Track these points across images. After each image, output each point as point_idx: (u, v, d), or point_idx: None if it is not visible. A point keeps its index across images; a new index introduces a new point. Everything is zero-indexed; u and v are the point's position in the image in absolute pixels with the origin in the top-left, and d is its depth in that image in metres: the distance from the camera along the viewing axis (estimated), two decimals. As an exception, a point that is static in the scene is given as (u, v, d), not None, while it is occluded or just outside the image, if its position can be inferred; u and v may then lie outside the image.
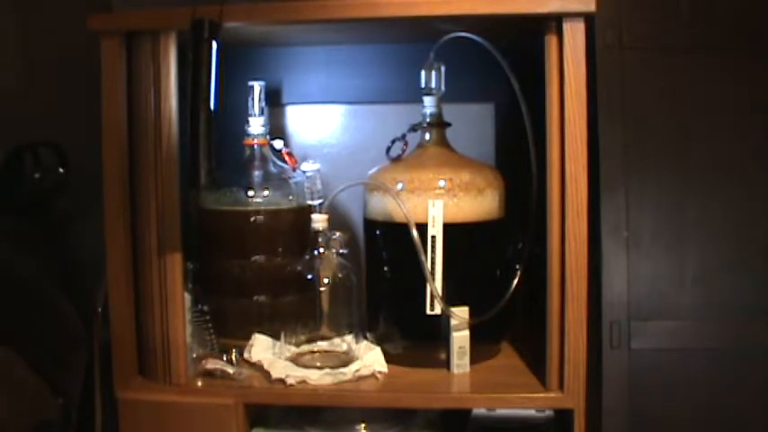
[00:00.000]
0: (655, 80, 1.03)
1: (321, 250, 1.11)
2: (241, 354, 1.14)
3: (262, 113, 1.19)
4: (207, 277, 1.16)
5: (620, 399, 1.03)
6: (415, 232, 1.08)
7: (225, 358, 1.12)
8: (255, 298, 1.18)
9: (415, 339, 1.14)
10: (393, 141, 1.16)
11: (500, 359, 1.17)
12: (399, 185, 1.11)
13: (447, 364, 1.11)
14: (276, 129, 1.32)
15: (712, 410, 1.03)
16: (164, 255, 1.05)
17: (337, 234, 1.12)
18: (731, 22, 1.02)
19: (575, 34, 0.99)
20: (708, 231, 1.03)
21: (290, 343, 1.13)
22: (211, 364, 1.10)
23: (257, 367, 1.11)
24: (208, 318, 1.16)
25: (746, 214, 1.03)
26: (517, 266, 1.11)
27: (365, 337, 1.17)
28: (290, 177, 1.20)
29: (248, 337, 1.15)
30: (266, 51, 1.34)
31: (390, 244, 1.14)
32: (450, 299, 1.10)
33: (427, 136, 1.16)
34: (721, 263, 1.03)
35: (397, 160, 1.16)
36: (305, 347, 1.13)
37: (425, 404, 1.10)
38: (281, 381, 1.07)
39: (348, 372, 1.08)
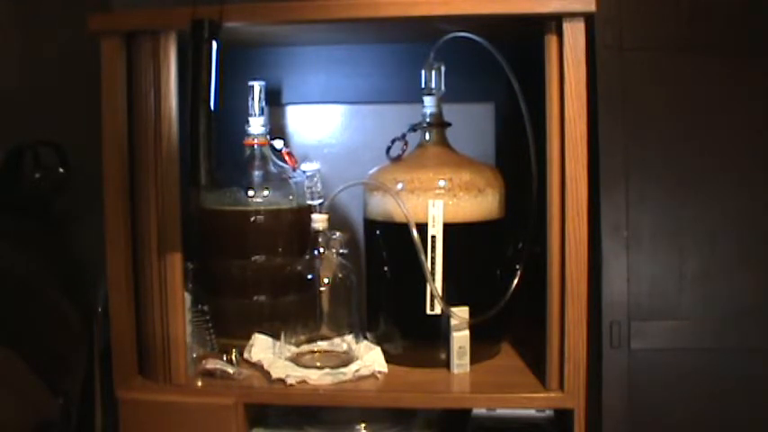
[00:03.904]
0: (655, 80, 1.03)
1: (321, 250, 1.11)
2: (241, 354, 1.14)
3: (262, 113, 1.19)
4: (207, 277, 1.16)
5: (620, 399, 1.04)
6: (415, 232, 1.08)
7: (225, 358, 1.12)
8: (255, 298, 1.18)
9: (415, 339, 1.14)
10: (393, 141, 1.16)
11: (500, 359, 1.16)
12: (399, 185, 1.11)
13: (447, 364, 1.11)
14: (276, 129, 1.32)
15: (712, 410, 1.03)
16: (164, 255, 1.05)
17: (337, 234, 1.12)
18: (731, 22, 1.02)
19: (575, 34, 0.99)
20: (708, 231, 1.03)
21: (290, 343, 1.13)
22: (211, 364, 1.10)
23: (257, 367, 1.11)
24: (208, 318, 1.16)
25: (746, 214, 1.03)
26: (517, 266, 1.11)
27: (365, 337, 1.17)
28: (290, 177, 1.20)
29: (248, 337, 1.15)
30: (266, 51, 1.34)
31: (390, 244, 1.14)
32: (451, 299, 1.10)
33: (427, 136, 1.16)
34: (721, 263, 1.03)
35: (397, 160, 1.16)
36: (305, 347, 1.13)
37: (425, 404, 1.10)
38: (281, 381, 1.07)
39: (348, 372, 1.08)
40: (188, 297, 1.09)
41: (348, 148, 1.35)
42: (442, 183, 1.10)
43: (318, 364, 1.10)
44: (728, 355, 1.03)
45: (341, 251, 1.12)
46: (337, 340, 1.13)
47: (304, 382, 1.06)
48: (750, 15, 1.02)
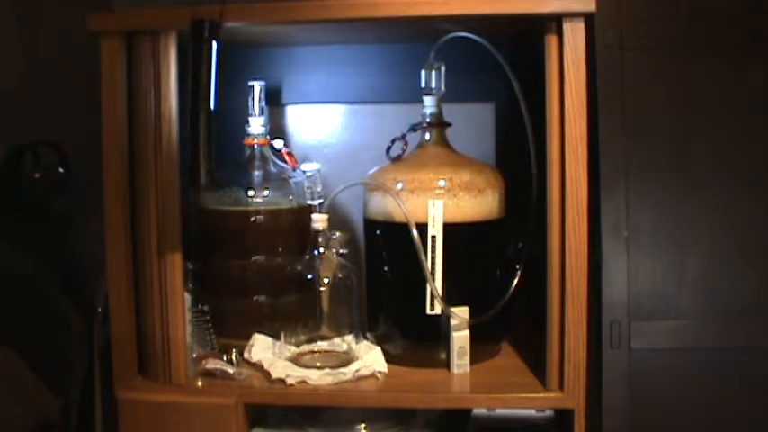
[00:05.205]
0: (655, 80, 1.03)
1: (321, 250, 1.11)
2: (241, 354, 1.14)
3: (262, 113, 1.19)
4: (207, 277, 1.16)
5: (620, 399, 1.03)
6: (415, 232, 1.08)
7: (225, 358, 1.12)
8: (255, 298, 1.18)
9: (415, 339, 1.14)
10: (393, 141, 1.16)
11: (500, 359, 1.17)
12: (399, 185, 1.11)
13: (447, 364, 1.11)
14: (276, 129, 1.32)
15: (712, 410, 1.03)
16: (164, 255, 1.05)
17: (337, 234, 1.12)
18: (731, 22, 1.02)
19: (575, 34, 0.99)
20: (708, 231, 1.03)
21: (290, 343, 1.13)
22: (211, 364, 1.10)
23: (257, 367, 1.11)
24: (208, 318, 1.16)
25: (746, 214, 1.03)
26: (517, 266, 1.11)
27: (365, 337, 1.17)
28: (290, 177, 1.20)
29: (248, 337, 1.15)
30: (266, 51, 1.34)
31: (390, 244, 1.14)
32: (450, 299, 1.10)
33: (427, 136, 1.16)
34: (721, 263, 1.03)
35: (397, 160, 1.16)
36: (305, 347, 1.13)
37: (425, 404, 1.10)
38: (281, 381, 1.07)
39: (348, 372, 1.08)
40: (188, 297, 1.09)
41: (348, 148, 1.35)
42: (442, 183, 1.10)
43: (318, 364, 1.10)
44: (728, 355, 1.03)
45: (341, 251, 1.12)
46: (337, 340, 1.13)
47: (304, 382, 1.06)
48: (750, 15, 1.02)
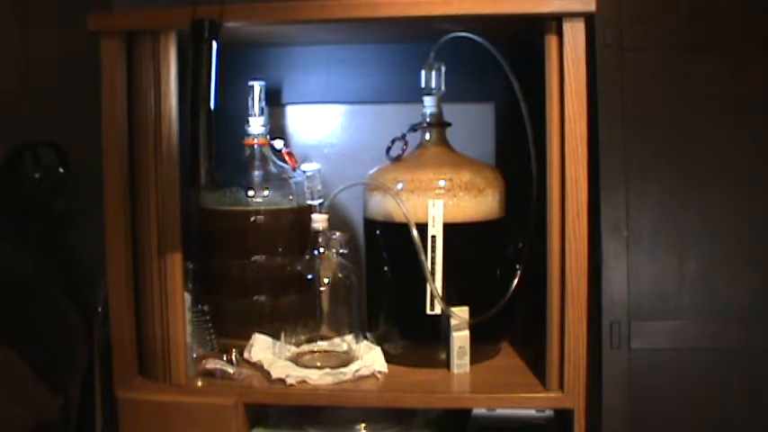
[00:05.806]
0: (655, 80, 1.03)
1: (321, 250, 1.11)
2: (241, 354, 1.14)
3: (262, 113, 1.19)
4: (207, 277, 1.16)
5: (620, 399, 1.04)
6: (415, 232, 1.08)
7: (225, 358, 1.12)
8: (255, 298, 1.18)
9: (415, 339, 1.14)
10: (393, 141, 1.16)
11: (500, 359, 1.17)
12: (399, 185, 1.11)
13: (447, 364, 1.11)
14: (276, 129, 1.32)
15: (712, 410, 1.03)
16: (164, 255, 1.05)
17: (337, 234, 1.12)
18: (731, 22, 1.02)
19: (575, 34, 0.99)
20: (708, 231, 1.03)
21: (290, 343, 1.13)
22: (211, 364, 1.10)
23: (257, 367, 1.11)
24: (208, 318, 1.16)
25: (747, 214, 1.03)
26: (517, 266, 1.11)
27: (365, 337, 1.17)
28: (290, 177, 1.20)
29: (248, 337, 1.16)
30: (266, 51, 1.34)
31: (390, 244, 1.14)
32: (450, 299, 1.10)
33: (427, 136, 1.16)
34: (721, 263, 1.03)
35: (397, 160, 1.16)
36: (305, 347, 1.13)
37: (425, 404, 1.10)
38: (281, 381, 1.07)
39: (348, 372, 1.08)
40: (188, 297, 1.09)
41: (348, 148, 1.35)
42: (442, 183, 1.10)
43: (318, 364, 1.10)
44: (728, 355, 1.03)
45: (341, 251, 1.12)
46: (337, 340, 1.13)
47: (304, 382, 1.06)
48: (750, 15, 1.02)
